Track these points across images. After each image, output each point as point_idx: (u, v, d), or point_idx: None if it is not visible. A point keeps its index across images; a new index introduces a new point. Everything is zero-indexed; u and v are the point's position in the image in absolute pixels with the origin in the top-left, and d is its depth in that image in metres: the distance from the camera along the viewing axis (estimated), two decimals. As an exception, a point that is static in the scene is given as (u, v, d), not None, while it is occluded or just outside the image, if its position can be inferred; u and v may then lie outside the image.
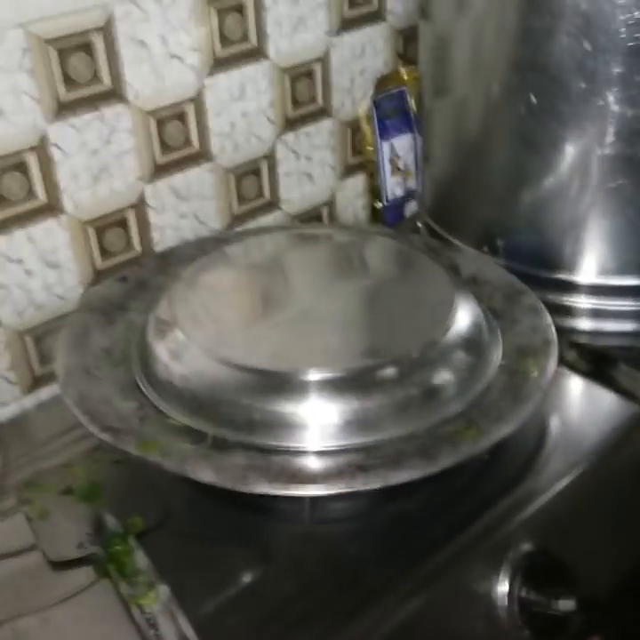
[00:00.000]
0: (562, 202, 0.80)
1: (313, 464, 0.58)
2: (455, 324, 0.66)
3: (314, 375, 0.61)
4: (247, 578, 0.60)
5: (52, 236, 0.79)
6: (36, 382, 0.83)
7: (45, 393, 0.83)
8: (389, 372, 0.63)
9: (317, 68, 0.94)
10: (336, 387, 0.61)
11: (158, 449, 0.58)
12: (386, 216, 1.05)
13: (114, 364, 0.69)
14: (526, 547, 0.63)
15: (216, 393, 0.63)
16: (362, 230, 0.94)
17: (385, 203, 1.04)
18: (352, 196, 1.05)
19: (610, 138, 0.75)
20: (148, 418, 0.63)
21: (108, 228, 0.83)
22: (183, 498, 0.67)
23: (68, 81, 0.75)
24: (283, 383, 0.61)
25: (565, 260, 0.82)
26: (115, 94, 0.79)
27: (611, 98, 0.74)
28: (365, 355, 0.65)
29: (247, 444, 0.60)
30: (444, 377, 0.64)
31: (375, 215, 1.06)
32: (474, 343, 0.67)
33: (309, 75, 0.94)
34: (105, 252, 0.84)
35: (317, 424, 0.61)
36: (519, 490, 0.65)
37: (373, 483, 0.55)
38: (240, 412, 0.61)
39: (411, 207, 1.06)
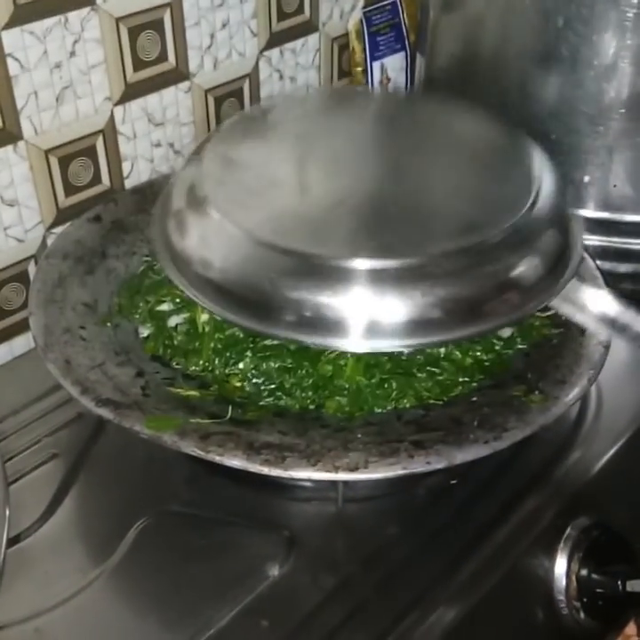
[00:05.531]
0: (588, 130, 0.71)
1: (359, 437, 0.49)
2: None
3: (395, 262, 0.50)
4: (273, 571, 0.52)
5: (7, 166, 0.66)
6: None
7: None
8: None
9: (305, -27, 0.82)
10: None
11: (173, 426, 0.48)
12: (373, 146, 0.95)
13: (100, 322, 0.58)
14: (584, 522, 0.56)
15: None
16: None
17: (373, 131, 0.94)
18: (337, 124, 0.94)
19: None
20: (151, 387, 0.53)
21: (72, 157, 0.70)
22: (184, 475, 0.57)
23: (25, -22, 0.62)
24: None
25: (588, 195, 0.73)
26: (80, -5, 0.66)
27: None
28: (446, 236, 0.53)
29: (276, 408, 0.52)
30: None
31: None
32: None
33: (296, -20, 0.82)
34: (69, 187, 0.71)
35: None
36: (568, 458, 0.58)
37: (436, 463, 0.47)
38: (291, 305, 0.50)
39: (400, 136, 0.96)
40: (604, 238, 0.74)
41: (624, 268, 0.75)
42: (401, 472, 0.46)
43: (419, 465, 0.47)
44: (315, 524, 0.55)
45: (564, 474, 0.57)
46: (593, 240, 0.74)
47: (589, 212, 0.73)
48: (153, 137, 0.76)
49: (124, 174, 0.75)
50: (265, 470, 0.46)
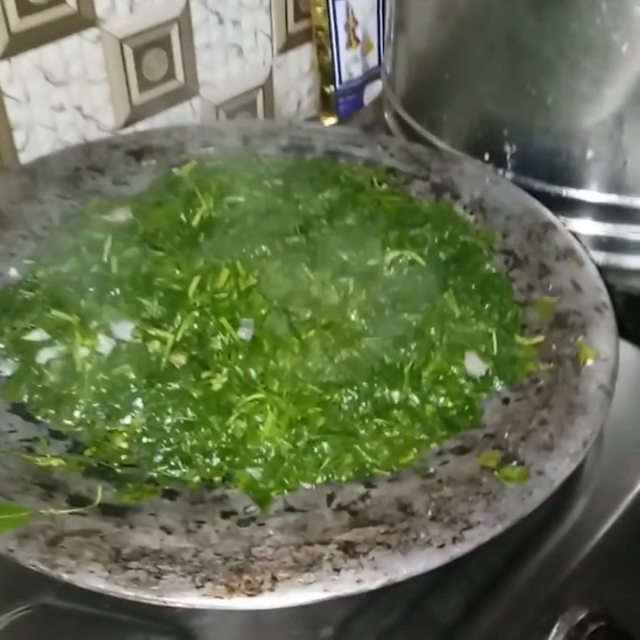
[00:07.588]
0: (597, 93, 0.56)
1: (269, 535, 0.36)
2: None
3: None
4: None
5: None
6: None
7: None
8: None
9: None
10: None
11: (12, 523, 0.35)
12: (339, 104, 0.80)
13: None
14: (576, 614, 0.43)
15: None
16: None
17: (338, 86, 0.79)
18: (295, 77, 0.79)
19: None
20: (0, 455, 0.39)
21: (-56, 128, 0.56)
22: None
23: None
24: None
25: (591, 175, 0.59)
26: None
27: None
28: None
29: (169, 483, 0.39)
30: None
31: (326, 102, 0.80)
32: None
33: None
34: (-57, 164, 0.57)
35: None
36: (556, 531, 0.45)
37: (370, 582, 0.34)
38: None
39: (372, 91, 0.81)
40: (612, 226, 0.60)
41: (634, 262, 0.61)
42: (320, 596, 0.33)
43: (346, 585, 0.34)
44: (224, 624, 0.42)
45: (551, 552, 0.44)
46: (597, 228, 0.60)
47: (593, 195, 0.59)
48: (53, 99, 0.61)
49: (17, 146, 0.61)
50: (130, 594, 0.33)
